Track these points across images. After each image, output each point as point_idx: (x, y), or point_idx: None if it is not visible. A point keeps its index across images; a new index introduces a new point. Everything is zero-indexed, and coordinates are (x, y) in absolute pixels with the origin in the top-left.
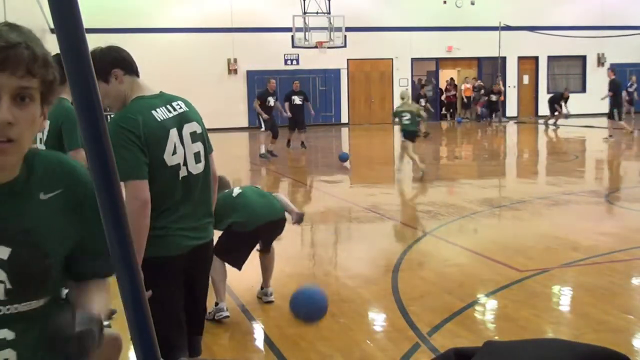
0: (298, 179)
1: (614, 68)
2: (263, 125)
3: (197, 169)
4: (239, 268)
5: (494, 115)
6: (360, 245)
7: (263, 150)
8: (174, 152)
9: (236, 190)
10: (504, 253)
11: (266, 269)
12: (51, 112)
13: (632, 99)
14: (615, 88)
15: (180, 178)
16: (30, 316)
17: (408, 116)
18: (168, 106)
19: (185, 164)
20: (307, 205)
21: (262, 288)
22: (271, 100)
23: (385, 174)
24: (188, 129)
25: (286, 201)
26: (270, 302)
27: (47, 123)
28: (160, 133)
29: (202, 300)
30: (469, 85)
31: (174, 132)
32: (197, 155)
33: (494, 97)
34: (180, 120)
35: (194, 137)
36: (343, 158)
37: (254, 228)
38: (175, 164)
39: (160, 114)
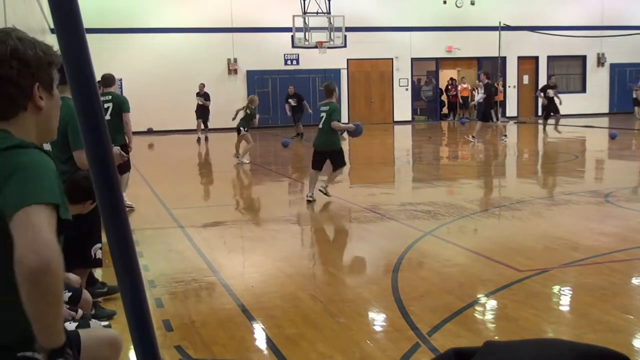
0: (298, 179)
1: (487, 72)
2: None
3: None
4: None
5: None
6: (360, 245)
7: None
8: None
9: (323, 122)
10: (504, 253)
11: (332, 179)
12: None
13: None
14: (489, 91)
15: None
16: None
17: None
18: None
19: None
20: (307, 205)
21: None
22: (200, 100)
23: (385, 174)
24: None
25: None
26: (326, 194)
27: None
28: None
29: None
30: (465, 86)
31: None
32: None
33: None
34: None
35: None
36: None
37: (314, 149)
38: None
39: None
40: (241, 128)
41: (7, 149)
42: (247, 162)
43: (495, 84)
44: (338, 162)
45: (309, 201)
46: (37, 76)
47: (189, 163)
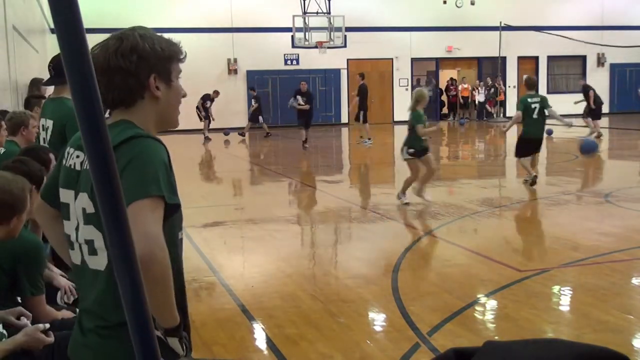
0: (298, 179)
1: (362, 73)
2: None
3: None
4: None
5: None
6: (360, 245)
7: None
8: None
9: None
10: (504, 253)
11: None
12: (55, 112)
13: None
14: (363, 93)
15: None
16: None
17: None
18: None
19: None
20: (307, 205)
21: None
22: (208, 103)
23: (385, 174)
24: None
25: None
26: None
27: (51, 123)
28: None
29: None
30: (466, 86)
31: None
32: None
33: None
34: None
35: None
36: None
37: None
38: None
39: None
40: (404, 147)
41: (123, 142)
42: (407, 201)
43: (496, 84)
44: (540, 147)
45: (532, 182)
46: (154, 68)
47: (188, 163)
